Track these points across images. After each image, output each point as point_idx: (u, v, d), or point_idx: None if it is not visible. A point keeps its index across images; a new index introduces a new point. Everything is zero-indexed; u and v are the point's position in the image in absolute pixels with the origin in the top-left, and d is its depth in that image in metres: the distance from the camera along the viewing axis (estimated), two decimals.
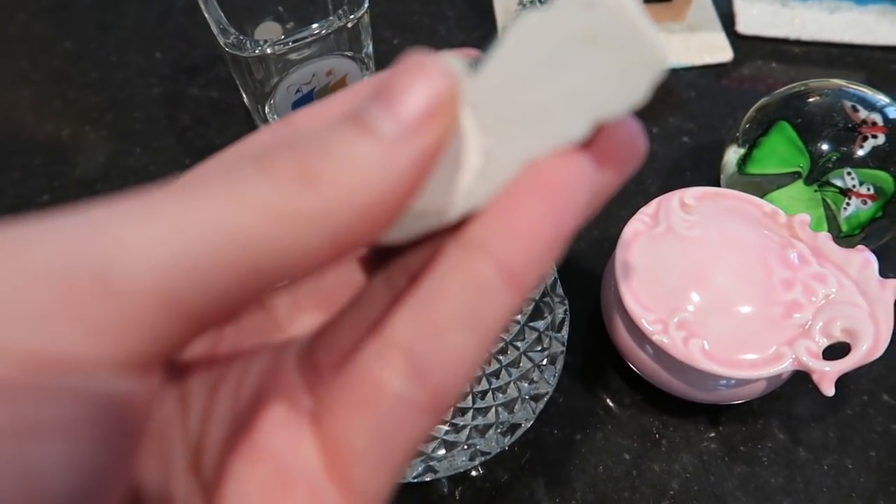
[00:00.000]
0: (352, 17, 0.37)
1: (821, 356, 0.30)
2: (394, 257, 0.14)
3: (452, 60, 0.12)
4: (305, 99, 0.40)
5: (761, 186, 0.38)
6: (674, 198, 0.34)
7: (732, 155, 0.40)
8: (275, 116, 0.40)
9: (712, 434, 0.35)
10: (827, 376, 0.29)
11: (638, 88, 0.11)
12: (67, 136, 0.46)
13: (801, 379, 0.31)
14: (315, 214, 0.10)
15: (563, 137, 0.12)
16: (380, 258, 0.15)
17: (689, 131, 0.46)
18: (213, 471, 0.13)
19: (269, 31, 0.43)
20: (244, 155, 0.14)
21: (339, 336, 0.14)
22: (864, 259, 0.32)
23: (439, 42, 0.51)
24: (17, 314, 0.09)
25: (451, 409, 0.34)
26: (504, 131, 0.12)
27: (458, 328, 0.11)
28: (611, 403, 0.36)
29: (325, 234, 0.11)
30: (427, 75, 0.11)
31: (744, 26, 0.51)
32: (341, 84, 0.40)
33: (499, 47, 0.12)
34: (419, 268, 0.14)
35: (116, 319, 0.09)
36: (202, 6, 0.37)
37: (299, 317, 0.15)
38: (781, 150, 0.38)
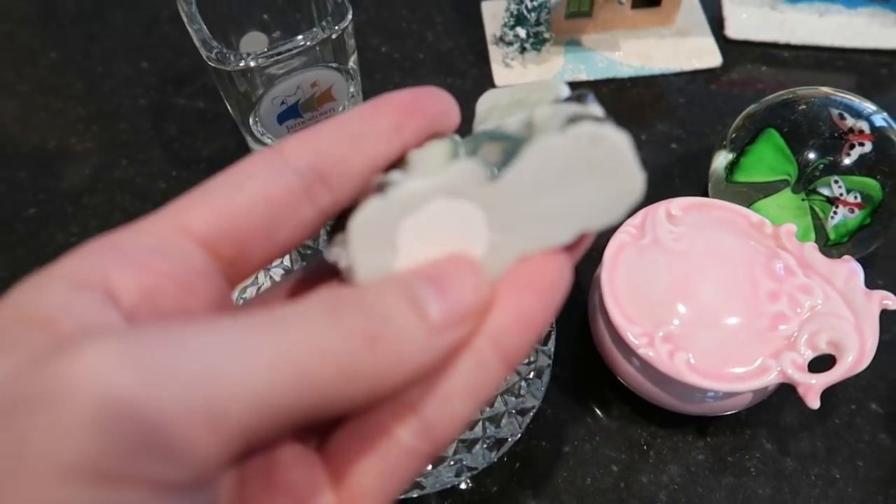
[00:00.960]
0: (336, 28, 0.37)
1: (806, 369, 0.30)
2: None
3: (476, 168, 0.14)
4: (291, 111, 0.39)
5: (749, 194, 0.38)
6: (660, 209, 0.34)
7: (720, 162, 0.40)
8: (260, 128, 0.40)
9: (700, 445, 0.35)
10: (812, 389, 0.29)
11: (618, 210, 0.15)
12: (53, 147, 0.46)
13: (788, 389, 0.31)
14: (369, 372, 0.13)
15: (554, 241, 0.15)
16: None
17: (678, 138, 0.46)
18: None
19: (254, 42, 0.43)
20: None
21: None
22: (849, 270, 0.32)
23: (427, 48, 0.51)
24: (141, 452, 0.11)
25: None
26: (508, 231, 0.15)
27: (463, 397, 0.14)
28: (599, 415, 0.36)
29: (369, 389, 0.13)
30: (475, 282, 0.14)
31: (733, 31, 0.51)
32: (326, 95, 0.40)
33: (518, 161, 0.14)
34: None
35: (217, 451, 0.11)
36: (185, 20, 0.37)
37: None
38: (769, 158, 0.38)
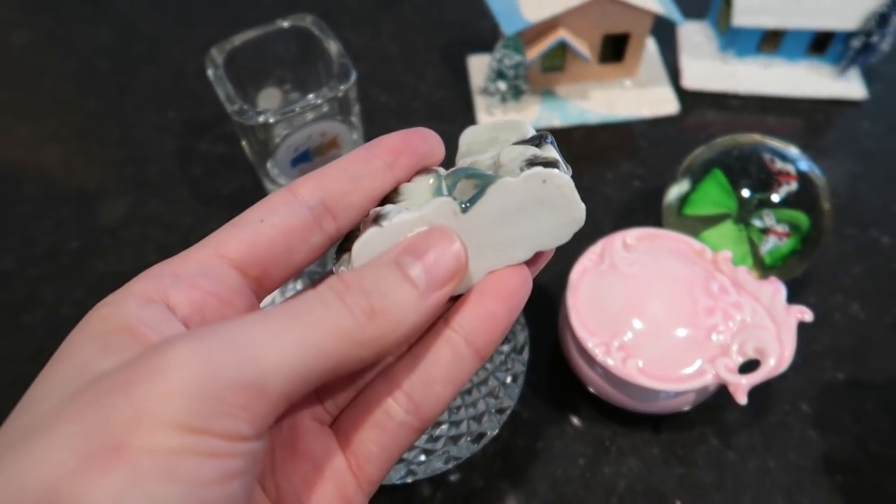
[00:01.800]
0: (341, 87, 0.43)
1: (737, 371, 0.36)
2: None
3: (450, 204, 0.18)
4: (303, 156, 0.46)
5: (695, 226, 0.44)
6: (617, 239, 0.40)
7: (672, 196, 0.47)
8: (276, 170, 0.46)
9: (655, 441, 0.40)
10: (741, 388, 0.35)
11: (566, 235, 0.19)
12: (92, 188, 0.52)
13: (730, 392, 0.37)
14: (373, 339, 0.16)
15: (515, 259, 0.19)
16: None
17: (640, 176, 0.52)
18: (266, 470, 0.19)
19: (270, 97, 0.50)
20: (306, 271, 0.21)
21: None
22: (774, 289, 0.38)
23: (420, 98, 0.57)
24: (219, 410, 0.14)
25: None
26: (476, 252, 0.18)
27: (443, 382, 0.18)
28: (568, 416, 0.41)
29: (374, 350, 0.16)
30: (450, 244, 0.17)
31: (689, 81, 0.57)
32: (333, 143, 0.46)
33: (483, 197, 0.18)
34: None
35: (263, 411, 0.15)
36: (212, 79, 0.43)
37: None
38: (714, 194, 0.45)
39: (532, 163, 0.18)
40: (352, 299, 0.16)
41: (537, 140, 0.19)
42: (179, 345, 0.14)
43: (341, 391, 0.21)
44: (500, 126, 0.21)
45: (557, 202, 0.18)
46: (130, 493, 0.13)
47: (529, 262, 0.19)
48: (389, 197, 0.20)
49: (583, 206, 0.18)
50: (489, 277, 0.19)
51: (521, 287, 0.19)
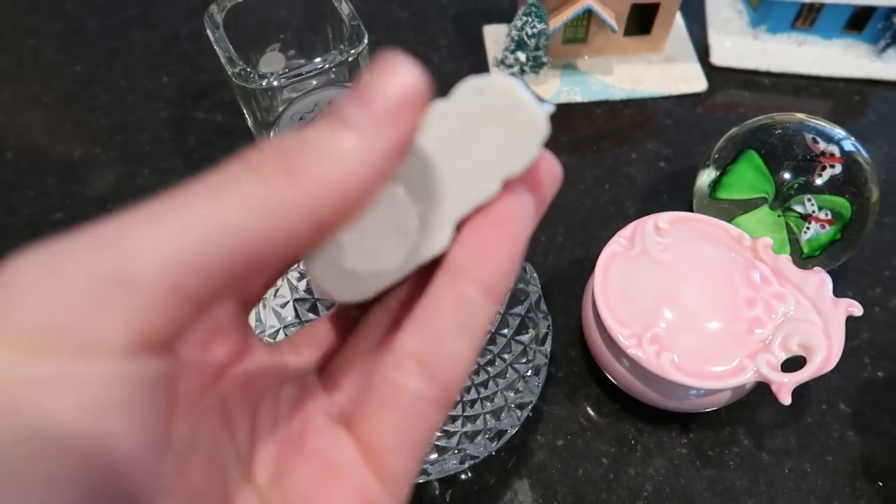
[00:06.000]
0: (352, 51, 0.40)
1: (779, 368, 0.33)
2: (386, 293, 0.17)
3: None
4: None
5: (730, 210, 0.41)
6: (648, 222, 0.37)
7: (704, 180, 0.44)
8: None
9: (684, 440, 0.38)
10: (784, 387, 0.32)
11: (531, 149, 0.14)
12: (79, 156, 0.48)
13: (765, 389, 0.34)
14: (298, 203, 0.12)
15: (481, 196, 0.15)
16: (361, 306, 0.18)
17: (666, 157, 0.49)
18: (269, 477, 0.16)
19: (272, 61, 0.46)
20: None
21: (354, 353, 0.18)
22: (819, 279, 0.35)
23: (432, 69, 0.53)
24: (72, 317, 0.11)
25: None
26: (433, 198, 0.15)
27: (455, 335, 0.14)
28: (591, 412, 0.39)
29: (305, 219, 0.12)
30: (397, 73, 0.13)
31: (717, 58, 0.54)
32: None
33: (419, 133, 0.14)
34: (407, 295, 0.17)
35: (136, 310, 0.11)
36: (211, 38, 0.40)
37: (300, 355, 0.19)
38: (749, 177, 0.41)
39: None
40: (262, 161, 0.12)
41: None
42: (17, 252, 0.11)
43: (348, 375, 0.17)
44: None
45: (505, 112, 0.14)
46: None
47: (529, 186, 0.15)
48: None
49: (538, 106, 0.14)
50: (480, 210, 0.15)
51: (517, 206, 0.15)
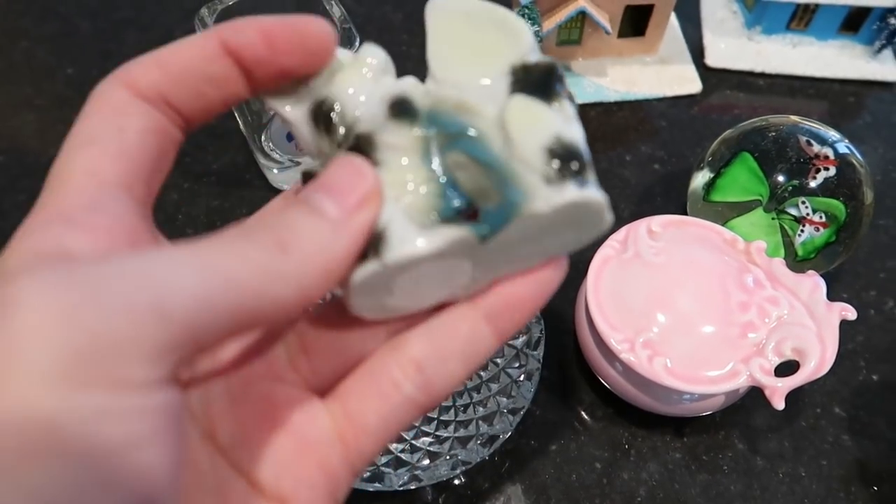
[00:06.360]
0: None
1: (773, 373, 0.33)
2: None
3: (468, 236, 0.15)
4: None
5: (724, 213, 0.41)
6: (641, 225, 0.37)
7: (698, 182, 0.43)
8: (270, 145, 0.43)
9: (677, 445, 0.37)
10: (778, 391, 0.32)
11: (583, 243, 0.17)
12: None
13: (759, 393, 0.34)
14: (289, 272, 0.14)
15: (525, 267, 0.17)
16: None
17: (660, 159, 0.49)
18: (232, 438, 0.17)
19: None
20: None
21: (336, 325, 0.18)
22: (813, 283, 0.35)
23: (426, 71, 0.53)
24: (109, 346, 0.11)
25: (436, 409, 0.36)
26: (491, 269, 0.16)
27: (458, 358, 0.17)
28: (584, 416, 0.38)
29: (294, 286, 0.14)
30: (360, 175, 0.15)
31: (712, 59, 0.54)
32: None
33: (504, 228, 0.15)
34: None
35: (170, 343, 0.12)
36: None
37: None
38: (743, 179, 0.41)
39: (562, 173, 0.15)
40: (258, 235, 0.14)
41: (546, 86, 0.16)
42: (38, 271, 0.12)
43: (323, 355, 0.18)
44: (481, 19, 0.17)
45: (588, 221, 0.16)
46: None
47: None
48: (360, 150, 0.16)
49: (611, 218, 0.16)
50: (518, 273, 0.17)
51: (553, 271, 0.17)
